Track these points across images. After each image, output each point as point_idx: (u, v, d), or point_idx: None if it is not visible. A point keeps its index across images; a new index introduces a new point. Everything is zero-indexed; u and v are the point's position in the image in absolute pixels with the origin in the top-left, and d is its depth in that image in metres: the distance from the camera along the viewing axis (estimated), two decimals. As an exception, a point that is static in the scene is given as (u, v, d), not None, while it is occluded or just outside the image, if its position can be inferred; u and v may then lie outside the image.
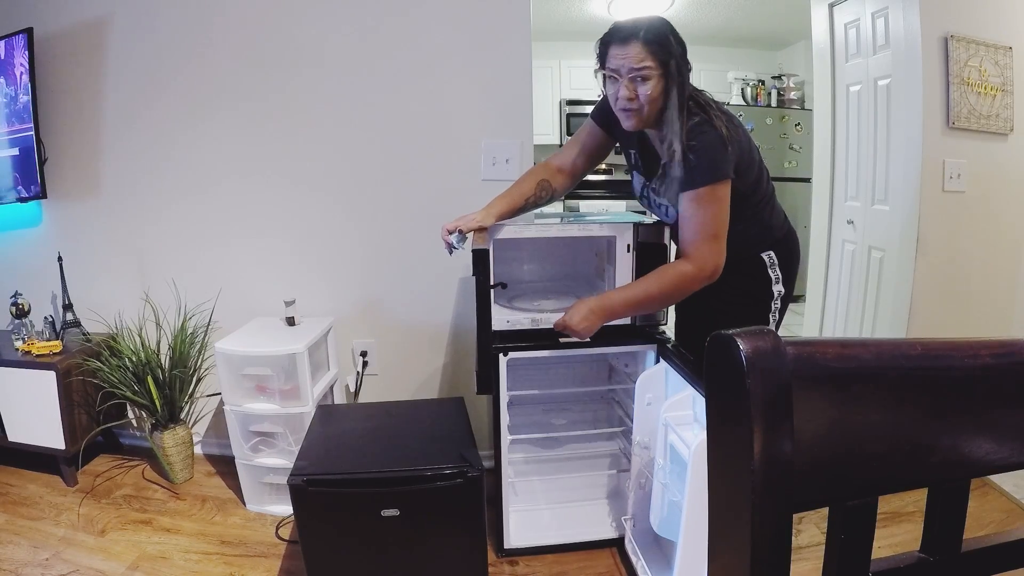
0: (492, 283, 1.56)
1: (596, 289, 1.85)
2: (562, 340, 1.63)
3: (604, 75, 1.42)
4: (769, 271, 1.54)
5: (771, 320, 1.58)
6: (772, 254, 1.54)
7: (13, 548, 1.78)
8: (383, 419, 1.80)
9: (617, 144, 1.67)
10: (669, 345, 1.60)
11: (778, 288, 1.55)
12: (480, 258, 1.50)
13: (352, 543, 1.51)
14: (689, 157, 1.34)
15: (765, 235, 1.53)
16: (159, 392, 2.06)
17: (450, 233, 1.53)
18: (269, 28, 2.09)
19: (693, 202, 1.37)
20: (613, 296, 1.48)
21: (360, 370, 2.29)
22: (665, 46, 1.33)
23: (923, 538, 0.50)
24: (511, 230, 1.62)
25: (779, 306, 1.58)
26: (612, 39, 1.37)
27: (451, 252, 1.54)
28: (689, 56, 1.39)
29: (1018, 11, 2.32)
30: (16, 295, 2.16)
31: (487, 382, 1.60)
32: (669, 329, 1.72)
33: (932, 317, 2.36)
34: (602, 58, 1.41)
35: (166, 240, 2.26)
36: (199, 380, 2.19)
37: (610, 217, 1.77)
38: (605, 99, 1.60)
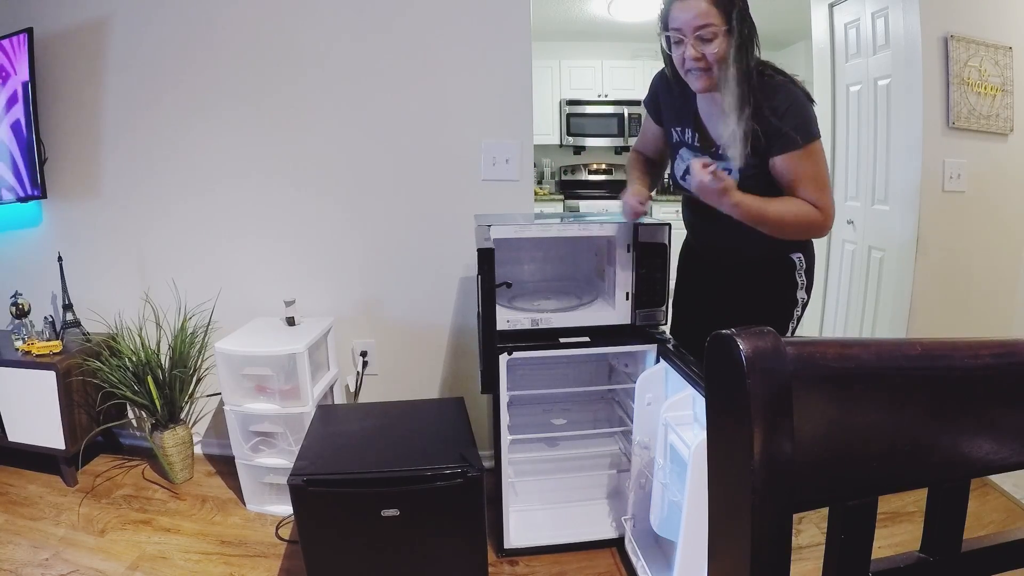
0: (497, 283, 1.56)
1: (596, 289, 1.85)
2: (563, 341, 1.63)
3: (668, 37, 1.37)
4: (796, 275, 1.51)
5: (789, 329, 1.54)
6: (801, 257, 1.51)
7: (13, 548, 1.78)
8: (383, 419, 1.80)
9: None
10: (669, 345, 1.60)
11: (801, 295, 1.52)
12: (485, 257, 1.50)
13: (352, 543, 1.51)
14: (783, 114, 1.32)
15: None
16: (159, 392, 2.06)
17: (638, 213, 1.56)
18: (269, 29, 2.09)
19: (801, 159, 1.34)
20: (744, 199, 1.35)
21: (360, 370, 2.29)
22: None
23: (923, 538, 0.50)
24: (511, 230, 1.62)
25: (800, 314, 1.54)
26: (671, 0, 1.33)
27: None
28: None
29: (1018, 11, 2.32)
30: (16, 295, 2.16)
31: (491, 382, 1.60)
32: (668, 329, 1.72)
33: (932, 317, 2.36)
34: (664, 19, 1.36)
35: (166, 240, 2.26)
36: (199, 380, 2.19)
37: (610, 217, 1.76)
38: (651, 85, 1.61)
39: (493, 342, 1.55)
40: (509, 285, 1.79)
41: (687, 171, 1.51)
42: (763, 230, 1.39)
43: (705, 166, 1.33)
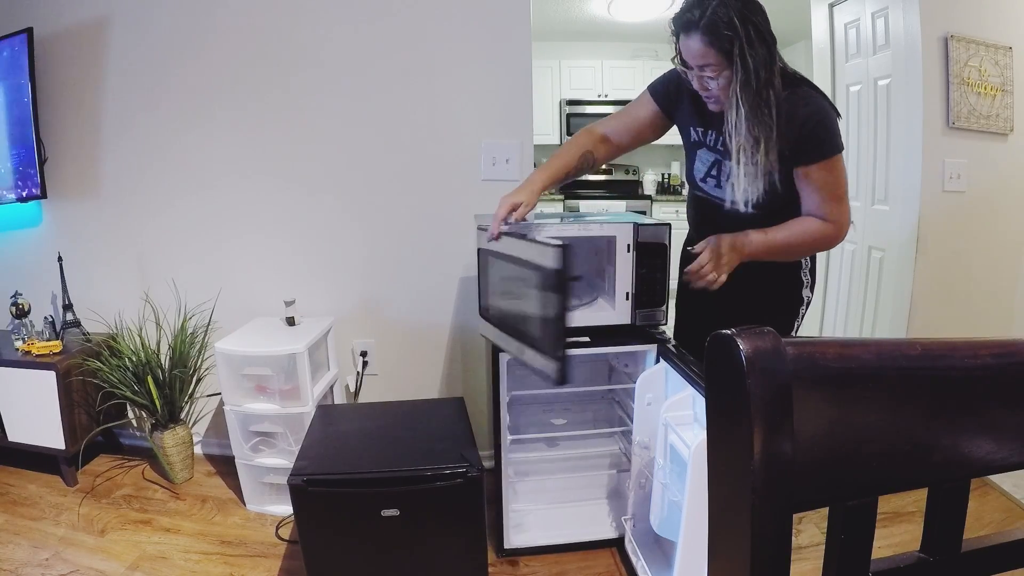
0: (572, 276, 1.48)
1: (596, 289, 1.85)
2: (579, 334, 1.63)
3: (681, 65, 1.36)
4: (801, 274, 1.51)
5: (795, 327, 1.54)
6: (806, 256, 1.52)
7: (13, 548, 1.78)
8: (383, 419, 1.80)
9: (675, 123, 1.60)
10: (669, 345, 1.60)
11: (807, 294, 1.53)
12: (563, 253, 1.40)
13: (352, 543, 1.51)
14: (813, 127, 1.32)
15: None
16: (159, 392, 2.06)
17: (503, 221, 1.48)
18: (269, 28, 2.09)
19: (823, 171, 1.35)
20: (753, 240, 1.40)
21: (360, 370, 2.29)
22: (727, 36, 1.23)
23: (923, 538, 0.50)
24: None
25: (804, 313, 1.54)
26: (677, 28, 1.31)
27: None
28: None
29: (1018, 11, 2.32)
30: (16, 295, 2.16)
31: (564, 373, 1.44)
32: (669, 329, 1.72)
33: (932, 317, 2.36)
34: (675, 44, 1.35)
35: (166, 240, 2.26)
36: (199, 380, 2.19)
37: (610, 217, 1.76)
38: (668, 77, 1.54)
39: (563, 335, 1.39)
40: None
41: (708, 173, 1.51)
42: (779, 259, 1.43)
43: (697, 270, 1.38)
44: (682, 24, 1.29)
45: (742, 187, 1.37)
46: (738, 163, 1.35)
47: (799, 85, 1.35)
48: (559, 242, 1.35)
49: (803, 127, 1.32)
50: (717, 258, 1.37)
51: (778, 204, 1.40)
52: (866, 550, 0.46)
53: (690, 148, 1.56)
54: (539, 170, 1.58)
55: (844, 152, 1.39)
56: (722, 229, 1.47)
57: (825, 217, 1.38)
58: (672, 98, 1.54)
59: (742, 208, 1.39)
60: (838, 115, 1.36)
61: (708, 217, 1.55)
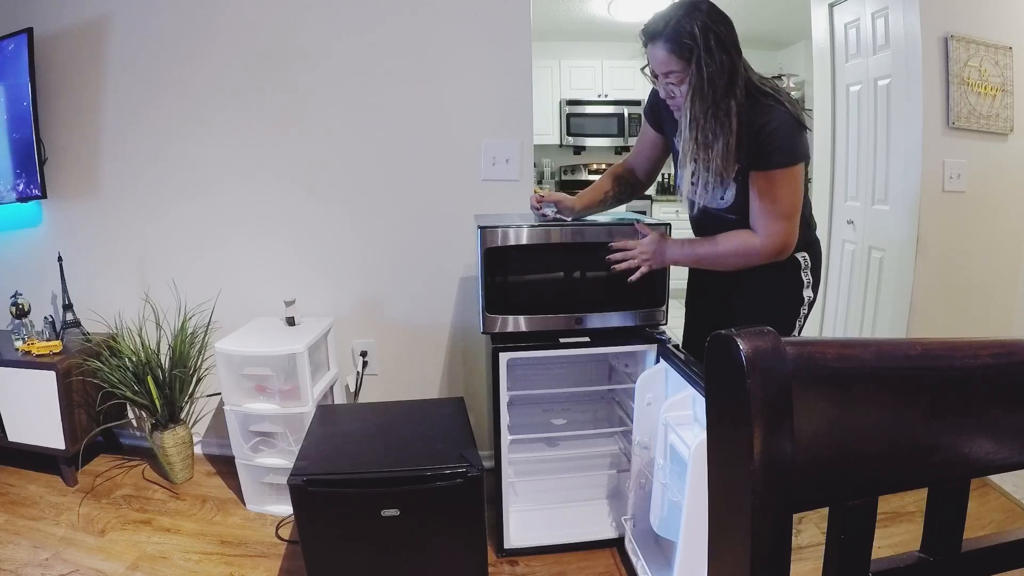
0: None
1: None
2: (563, 341, 1.63)
3: (651, 74, 1.43)
4: (802, 274, 1.52)
5: (797, 327, 1.55)
6: (806, 256, 1.52)
7: (13, 548, 1.78)
8: (383, 419, 1.80)
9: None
10: (669, 345, 1.60)
11: (808, 294, 1.53)
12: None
13: (352, 543, 1.51)
14: (765, 136, 1.33)
15: (804, 232, 1.48)
16: (159, 392, 2.06)
17: (541, 202, 1.70)
18: (269, 29, 2.09)
19: (768, 181, 1.36)
20: (682, 250, 1.53)
21: (360, 370, 2.29)
22: (687, 44, 1.30)
23: (923, 538, 0.50)
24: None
25: (807, 313, 1.55)
26: (644, 39, 1.38)
27: (541, 217, 1.69)
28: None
29: (1018, 11, 2.32)
30: (16, 295, 2.16)
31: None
32: (669, 329, 1.72)
33: (932, 317, 2.36)
34: (646, 55, 1.41)
35: (166, 240, 2.26)
36: (199, 380, 2.19)
37: (610, 217, 1.77)
38: (651, 94, 1.62)
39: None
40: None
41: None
42: (711, 268, 1.51)
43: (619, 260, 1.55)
44: (649, 34, 1.37)
45: (687, 189, 1.43)
46: (684, 166, 1.40)
47: (767, 96, 1.36)
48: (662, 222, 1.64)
49: (757, 135, 1.34)
50: (642, 252, 1.53)
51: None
52: (866, 550, 0.46)
53: (677, 157, 1.59)
54: (585, 191, 1.76)
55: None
56: (721, 230, 1.48)
57: (759, 231, 1.40)
58: (657, 112, 1.61)
59: (692, 211, 1.45)
60: (804, 128, 1.36)
61: (706, 217, 1.57)
